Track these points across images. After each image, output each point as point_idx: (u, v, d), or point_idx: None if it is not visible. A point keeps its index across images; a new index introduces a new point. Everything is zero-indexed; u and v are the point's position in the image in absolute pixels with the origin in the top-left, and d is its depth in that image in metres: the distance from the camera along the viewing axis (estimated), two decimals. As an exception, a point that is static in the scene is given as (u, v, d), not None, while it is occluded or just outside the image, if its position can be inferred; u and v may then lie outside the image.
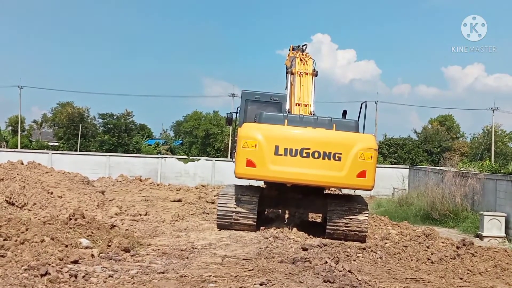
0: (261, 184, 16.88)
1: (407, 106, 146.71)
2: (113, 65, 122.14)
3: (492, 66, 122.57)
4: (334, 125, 13.76)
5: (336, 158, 13.29)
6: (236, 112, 16.25)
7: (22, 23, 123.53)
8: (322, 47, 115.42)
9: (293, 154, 13.31)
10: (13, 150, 43.24)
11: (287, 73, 16.67)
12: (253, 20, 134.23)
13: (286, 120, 13.76)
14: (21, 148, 55.06)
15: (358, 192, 16.95)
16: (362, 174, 13.35)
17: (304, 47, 17.43)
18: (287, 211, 16.91)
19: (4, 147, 60.09)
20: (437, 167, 28.65)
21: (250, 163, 13.33)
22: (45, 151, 41.43)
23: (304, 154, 13.31)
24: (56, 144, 66.69)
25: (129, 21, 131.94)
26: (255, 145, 13.30)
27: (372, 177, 13.40)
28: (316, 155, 13.30)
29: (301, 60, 16.42)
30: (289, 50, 18.25)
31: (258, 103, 16.02)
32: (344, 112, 15.61)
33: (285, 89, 17.15)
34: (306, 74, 15.92)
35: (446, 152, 54.02)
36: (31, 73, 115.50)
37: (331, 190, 21.95)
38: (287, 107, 15.42)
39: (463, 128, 73.87)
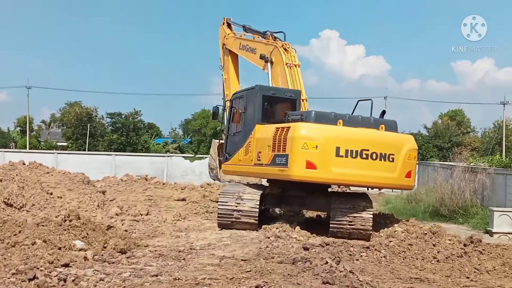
0: (264, 182, 16.54)
1: (418, 102, 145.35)
2: (121, 65, 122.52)
3: (502, 60, 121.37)
4: (383, 125, 13.78)
5: (390, 159, 13.30)
6: (224, 107, 15.79)
7: (29, 23, 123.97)
8: (331, 43, 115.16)
9: (354, 156, 13.01)
10: (18, 150, 43.30)
11: (223, 49, 19.06)
12: (260, 17, 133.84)
13: (341, 120, 13.44)
14: (30, 149, 55.13)
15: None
16: (408, 175, 13.61)
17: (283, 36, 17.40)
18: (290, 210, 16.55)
19: (13, 148, 60.12)
20: (446, 163, 28.22)
21: (310, 165, 12.75)
22: (51, 151, 41.33)
23: (364, 156, 13.08)
24: (65, 144, 66.79)
25: (135, 20, 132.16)
26: (316, 146, 12.79)
27: (414, 177, 13.86)
28: (374, 156, 13.16)
29: (285, 50, 16.19)
30: (223, 24, 20.28)
31: (274, 99, 15.37)
32: (383, 113, 15.17)
33: (221, 69, 19.15)
34: (295, 66, 15.78)
35: (456, 147, 53.48)
36: (40, 74, 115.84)
37: (339, 188, 21.60)
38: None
39: (473, 123, 73.39)
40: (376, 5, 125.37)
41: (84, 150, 56.41)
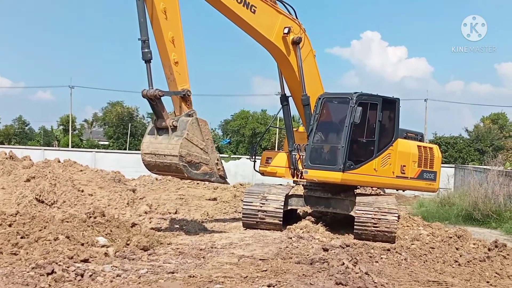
0: (290, 183, 16.57)
1: (460, 104, 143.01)
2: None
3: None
4: None
5: None
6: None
7: (73, 23, 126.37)
8: (372, 45, 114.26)
9: None
10: (57, 148, 44.16)
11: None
12: (301, 18, 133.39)
13: None
14: (72, 147, 56.26)
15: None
16: None
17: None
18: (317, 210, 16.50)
19: (56, 146, 61.42)
20: (481, 166, 27.74)
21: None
22: (89, 150, 42.09)
23: None
24: (106, 143, 67.91)
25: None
26: None
27: None
28: None
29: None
30: None
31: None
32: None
33: None
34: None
35: (498, 151, 52.48)
36: (83, 73, 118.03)
37: (364, 189, 21.44)
38: (306, 91, 14.61)
39: (516, 127, 71.69)
40: (418, 6, 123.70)
41: (125, 149, 57.22)
